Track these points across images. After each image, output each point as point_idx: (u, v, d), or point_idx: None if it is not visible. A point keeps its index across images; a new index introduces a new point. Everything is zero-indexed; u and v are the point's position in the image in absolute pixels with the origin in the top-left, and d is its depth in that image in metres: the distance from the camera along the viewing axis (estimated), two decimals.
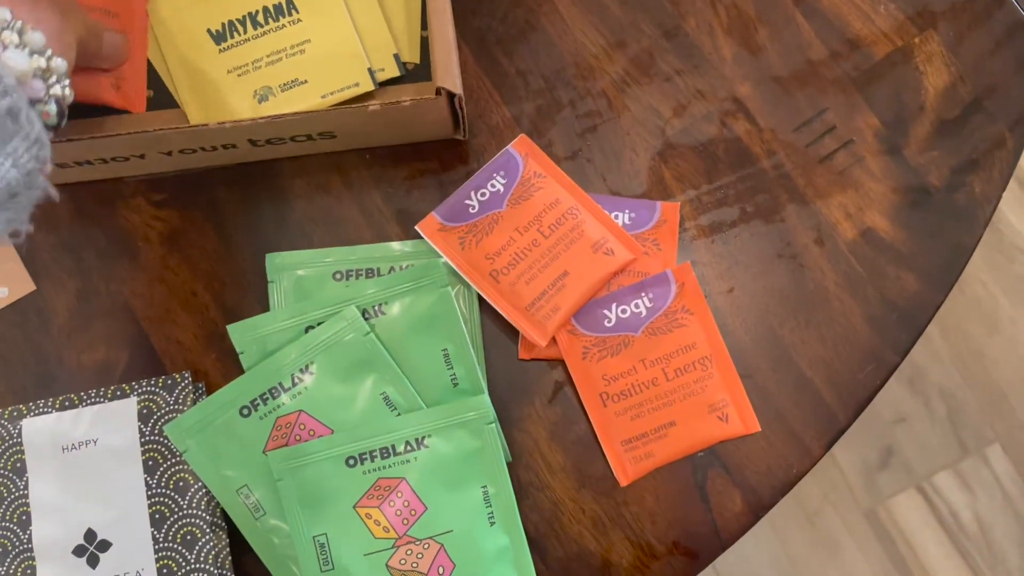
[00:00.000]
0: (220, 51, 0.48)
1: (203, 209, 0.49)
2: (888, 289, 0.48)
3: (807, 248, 0.48)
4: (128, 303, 0.48)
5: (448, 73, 0.43)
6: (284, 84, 0.48)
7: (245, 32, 0.49)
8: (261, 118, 0.42)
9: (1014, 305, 1.37)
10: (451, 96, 0.44)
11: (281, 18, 0.49)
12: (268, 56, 0.48)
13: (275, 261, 0.47)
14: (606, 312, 0.47)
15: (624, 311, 0.47)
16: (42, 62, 0.36)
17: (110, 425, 0.44)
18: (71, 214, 0.49)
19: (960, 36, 0.51)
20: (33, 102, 0.36)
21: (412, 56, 0.50)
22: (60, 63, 0.37)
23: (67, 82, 0.38)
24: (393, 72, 0.49)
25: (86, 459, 0.44)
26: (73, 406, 0.45)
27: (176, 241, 0.49)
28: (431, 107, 0.44)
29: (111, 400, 0.45)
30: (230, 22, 0.49)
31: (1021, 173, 1.41)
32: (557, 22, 0.52)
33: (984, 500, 1.30)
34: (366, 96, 0.49)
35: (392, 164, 0.50)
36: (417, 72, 0.50)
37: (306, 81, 0.48)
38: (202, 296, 0.48)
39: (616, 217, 0.48)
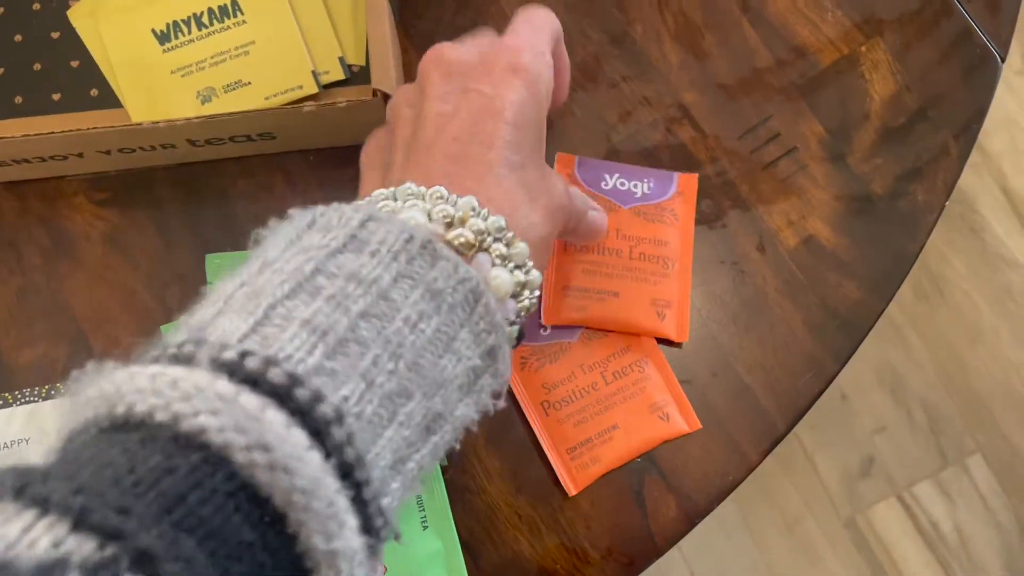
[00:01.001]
0: (164, 51, 0.49)
1: (145, 209, 0.49)
2: (829, 296, 0.48)
3: (748, 255, 0.48)
4: (68, 302, 0.48)
5: (385, 74, 0.43)
6: (227, 85, 0.48)
7: (190, 33, 0.49)
8: (196, 118, 0.42)
9: (997, 315, 1.37)
10: (387, 98, 0.44)
11: (226, 19, 0.49)
12: (212, 57, 0.48)
13: (215, 262, 0.47)
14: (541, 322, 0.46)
15: None
16: (521, 276, 0.31)
17: (43, 425, 0.44)
18: (13, 212, 0.49)
19: (907, 44, 0.51)
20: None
21: (358, 59, 0.50)
22: (536, 276, 0.32)
23: (536, 294, 0.32)
24: (338, 75, 0.49)
25: (19, 458, 0.44)
26: (7, 405, 0.45)
27: (118, 240, 0.49)
28: (368, 108, 0.44)
29: (44, 400, 0.45)
30: (175, 23, 0.49)
31: (1007, 182, 1.41)
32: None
33: (964, 510, 1.29)
34: (310, 99, 0.49)
35: (337, 165, 0.50)
36: (363, 74, 0.50)
37: (250, 83, 0.48)
38: (142, 296, 0.48)
39: (636, 187, 0.47)
